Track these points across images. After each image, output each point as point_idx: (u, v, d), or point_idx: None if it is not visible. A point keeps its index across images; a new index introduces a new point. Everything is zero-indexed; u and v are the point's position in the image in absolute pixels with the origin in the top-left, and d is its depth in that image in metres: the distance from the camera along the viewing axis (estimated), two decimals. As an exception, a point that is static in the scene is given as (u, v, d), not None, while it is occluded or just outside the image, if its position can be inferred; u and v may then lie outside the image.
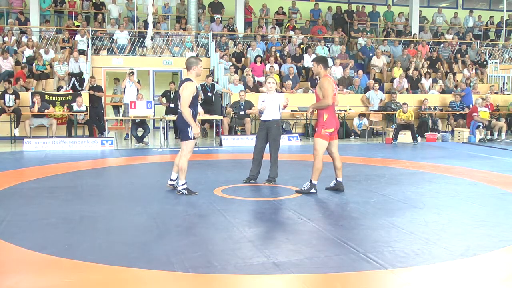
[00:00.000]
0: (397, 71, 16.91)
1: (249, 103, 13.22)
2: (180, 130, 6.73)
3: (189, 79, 6.51)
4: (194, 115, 6.57)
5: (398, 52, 18.32)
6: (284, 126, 14.39)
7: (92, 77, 14.09)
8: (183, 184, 6.68)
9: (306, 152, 11.51)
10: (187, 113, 6.42)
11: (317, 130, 6.77)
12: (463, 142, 13.96)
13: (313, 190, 6.76)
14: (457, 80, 17.55)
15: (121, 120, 16.08)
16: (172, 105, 13.36)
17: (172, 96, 13.57)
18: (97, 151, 11.52)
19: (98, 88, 14.08)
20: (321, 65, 6.73)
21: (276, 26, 18.77)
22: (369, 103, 15.49)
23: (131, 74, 13.65)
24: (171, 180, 6.99)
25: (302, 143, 13.24)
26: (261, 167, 7.61)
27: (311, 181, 6.77)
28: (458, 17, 21.49)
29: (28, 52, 15.05)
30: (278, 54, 16.90)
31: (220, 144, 12.49)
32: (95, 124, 13.60)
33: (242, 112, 13.13)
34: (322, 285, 3.80)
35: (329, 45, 17.94)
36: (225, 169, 9.30)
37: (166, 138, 12.69)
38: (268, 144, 7.59)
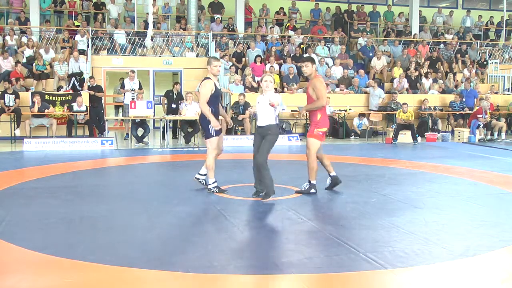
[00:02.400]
0: (397, 71, 16.91)
1: (248, 105, 13.28)
2: (203, 128, 6.85)
3: (207, 78, 6.70)
4: (215, 113, 6.67)
5: (398, 52, 18.32)
6: (284, 126, 14.39)
7: (91, 77, 14.09)
8: (213, 183, 6.80)
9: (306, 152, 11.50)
10: (205, 109, 6.57)
11: (310, 129, 6.80)
12: (463, 142, 13.96)
13: (312, 190, 6.75)
14: (457, 80, 17.55)
15: (121, 120, 16.08)
16: (174, 105, 13.35)
17: (174, 96, 13.56)
18: (97, 151, 11.52)
19: (98, 88, 14.07)
20: (314, 65, 6.77)
21: (276, 26, 18.77)
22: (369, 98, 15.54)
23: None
24: (199, 174, 7.06)
25: (302, 143, 13.23)
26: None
27: (309, 182, 6.78)
28: (453, 16, 21.49)
29: (28, 52, 15.05)
30: (277, 55, 16.90)
31: (220, 144, 12.48)
32: (95, 124, 13.60)
33: (241, 116, 13.20)
34: (322, 285, 3.80)
35: (329, 45, 17.94)
36: (225, 169, 9.29)
37: (164, 138, 12.68)
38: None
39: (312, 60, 6.79)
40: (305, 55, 16.80)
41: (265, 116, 6.45)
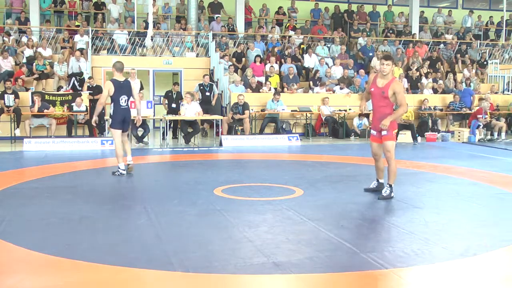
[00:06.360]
0: (397, 71, 16.89)
1: (247, 105, 13.30)
2: (128, 122, 8.34)
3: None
4: None
5: (399, 52, 18.31)
6: (284, 126, 14.38)
7: (90, 78, 14.06)
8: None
9: (306, 152, 11.52)
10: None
11: (388, 132, 6.77)
12: (463, 142, 13.96)
13: (392, 194, 6.62)
14: (456, 80, 17.54)
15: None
16: (174, 105, 13.35)
17: (174, 96, 13.56)
18: (97, 151, 11.52)
19: (98, 89, 14.06)
20: (394, 65, 6.57)
21: (276, 26, 18.76)
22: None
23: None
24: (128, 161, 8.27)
25: (302, 143, 13.23)
26: None
27: (390, 185, 6.65)
28: (453, 16, 21.48)
29: (28, 52, 15.05)
30: (278, 55, 16.89)
31: (220, 144, 12.49)
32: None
33: (240, 115, 13.26)
34: (322, 285, 3.80)
35: (329, 45, 17.94)
36: (225, 169, 9.30)
37: (164, 138, 12.68)
38: None
39: (393, 59, 6.63)
40: (305, 55, 16.81)
41: None
